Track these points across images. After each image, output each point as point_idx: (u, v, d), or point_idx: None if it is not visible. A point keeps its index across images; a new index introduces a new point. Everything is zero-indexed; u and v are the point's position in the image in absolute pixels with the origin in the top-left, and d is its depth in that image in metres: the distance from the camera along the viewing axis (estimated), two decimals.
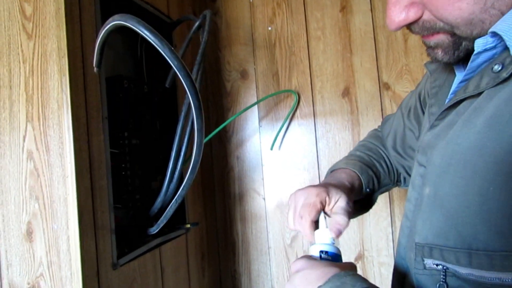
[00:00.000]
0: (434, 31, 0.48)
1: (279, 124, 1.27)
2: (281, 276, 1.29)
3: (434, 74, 0.63)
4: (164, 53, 0.50)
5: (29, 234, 0.73)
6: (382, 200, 1.21)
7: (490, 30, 0.44)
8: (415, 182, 0.57)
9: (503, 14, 0.43)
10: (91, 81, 0.76)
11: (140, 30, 0.51)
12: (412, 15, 0.48)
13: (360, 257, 1.23)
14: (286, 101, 1.29)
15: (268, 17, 1.30)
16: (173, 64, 0.51)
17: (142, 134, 0.95)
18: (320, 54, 1.26)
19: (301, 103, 1.27)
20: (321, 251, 0.58)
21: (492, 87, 0.45)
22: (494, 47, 0.45)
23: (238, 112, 1.29)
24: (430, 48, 0.51)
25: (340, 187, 0.68)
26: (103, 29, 0.56)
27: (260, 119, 1.31)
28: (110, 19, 0.55)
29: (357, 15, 1.23)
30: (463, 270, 0.47)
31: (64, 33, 0.70)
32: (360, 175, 0.76)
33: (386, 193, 1.20)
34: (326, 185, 0.67)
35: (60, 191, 0.71)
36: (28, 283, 0.73)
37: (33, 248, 0.73)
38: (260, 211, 1.31)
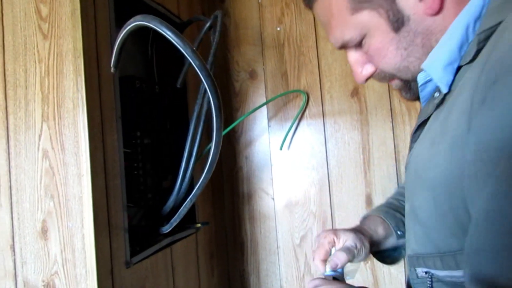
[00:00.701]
0: (389, 78, 0.62)
1: (288, 124, 1.28)
2: (290, 276, 1.29)
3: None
4: (186, 53, 0.51)
5: (44, 232, 0.74)
6: None
7: (422, 66, 0.55)
8: (405, 200, 0.64)
9: (420, 59, 0.56)
10: (105, 81, 0.77)
11: (162, 30, 0.51)
12: (368, 70, 0.62)
13: (369, 257, 1.22)
14: (295, 101, 1.29)
15: (277, 17, 1.31)
16: (195, 64, 0.52)
17: (153, 134, 0.95)
18: (329, 54, 1.26)
19: (310, 103, 1.27)
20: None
21: (434, 110, 0.55)
22: (431, 79, 0.56)
23: (247, 112, 1.30)
24: (398, 90, 0.64)
25: (352, 230, 0.76)
26: (124, 29, 0.57)
27: (269, 119, 1.32)
28: (132, 19, 0.56)
29: None
30: (440, 273, 0.52)
31: (80, 33, 0.71)
32: (385, 219, 0.79)
33: None
34: (337, 229, 0.78)
35: (75, 189, 0.72)
36: (43, 281, 0.74)
37: (48, 246, 0.73)
38: (269, 211, 1.31)
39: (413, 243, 0.58)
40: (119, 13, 0.82)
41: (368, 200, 1.24)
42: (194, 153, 0.87)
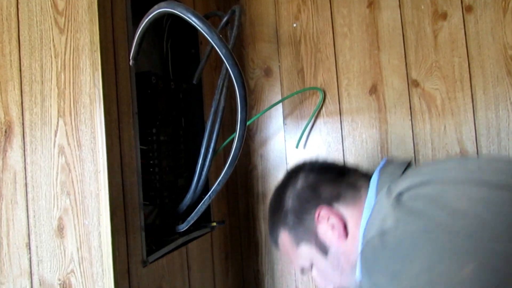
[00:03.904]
0: None
1: (304, 122, 1.25)
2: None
3: None
4: (213, 41, 0.49)
5: (60, 230, 0.72)
6: None
7: (356, 278, 0.67)
8: None
9: (350, 273, 0.71)
10: (122, 76, 0.75)
11: (188, 17, 0.49)
12: (330, 287, 0.77)
13: None
14: (311, 99, 1.27)
15: (293, 14, 1.28)
16: (221, 53, 0.50)
17: (169, 131, 0.94)
18: (346, 51, 1.23)
19: (327, 100, 1.25)
20: None
21: None
22: None
23: (262, 110, 1.28)
24: None
25: None
26: (147, 16, 0.55)
27: (284, 117, 1.29)
28: (156, 6, 0.54)
29: (385, 11, 1.21)
30: None
31: (97, 27, 0.70)
32: None
33: None
34: None
35: (91, 186, 0.70)
36: (59, 279, 0.72)
37: (64, 244, 0.72)
38: None
39: None
40: (136, 7, 0.80)
41: None
42: (210, 150, 0.86)
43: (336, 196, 0.75)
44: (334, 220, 0.73)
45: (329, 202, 0.75)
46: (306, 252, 0.77)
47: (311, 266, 0.78)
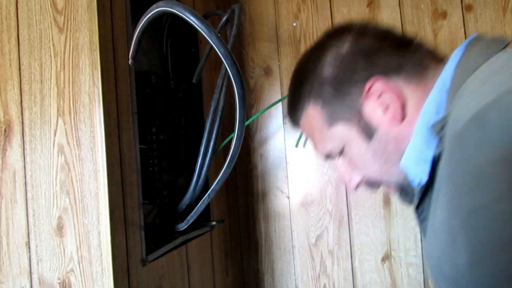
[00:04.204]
0: (378, 185, 0.65)
1: None
2: (305, 275, 1.27)
3: None
4: (211, 41, 0.49)
5: (60, 229, 0.72)
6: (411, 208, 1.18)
7: (400, 165, 0.58)
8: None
9: (395, 163, 0.59)
10: (121, 75, 0.75)
11: (187, 17, 0.49)
12: (356, 179, 0.65)
13: (387, 257, 1.20)
14: None
15: (293, 13, 1.28)
16: (220, 52, 0.50)
17: (168, 130, 0.94)
18: None
19: None
20: None
21: (420, 201, 0.57)
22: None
23: (262, 109, 1.28)
24: (397, 196, 0.66)
25: None
26: (146, 16, 0.55)
27: (284, 116, 1.29)
28: (154, 6, 0.54)
29: (385, 10, 1.21)
30: None
31: (96, 26, 0.70)
32: None
33: None
34: None
35: (91, 185, 0.70)
36: (59, 278, 0.72)
37: (63, 243, 0.72)
38: (283, 210, 1.29)
39: None
40: (135, 6, 0.80)
41: (386, 199, 1.21)
42: (210, 150, 0.86)
43: (397, 67, 0.58)
44: (389, 96, 0.57)
45: (386, 73, 0.58)
46: (341, 133, 0.62)
47: (341, 152, 0.65)
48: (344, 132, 0.62)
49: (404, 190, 0.62)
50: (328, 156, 0.67)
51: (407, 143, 0.57)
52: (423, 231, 0.60)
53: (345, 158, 0.65)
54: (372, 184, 0.66)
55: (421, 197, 0.56)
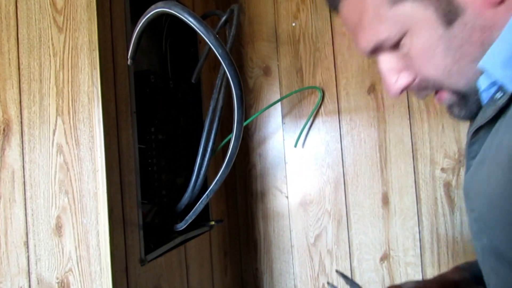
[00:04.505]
0: (434, 88, 0.52)
1: (303, 121, 1.26)
2: (304, 275, 1.27)
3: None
4: (209, 41, 0.49)
5: (59, 228, 0.73)
6: (408, 199, 1.18)
7: (478, 65, 0.46)
8: (473, 229, 0.52)
9: (476, 60, 0.46)
10: (120, 75, 0.75)
11: (185, 17, 0.50)
12: (405, 80, 0.52)
13: (386, 257, 1.20)
14: (310, 98, 1.27)
15: (292, 13, 1.29)
16: (217, 52, 0.50)
17: (168, 130, 0.94)
18: (345, 50, 1.23)
19: (325, 99, 1.25)
20: None
21: (499, 115, 0.45)
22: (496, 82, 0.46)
23: (261, 109, 1.28)
24: (447, 108, 0.54)
25: (425, 281, 0.70)
26: (145, 16, 0.55)
27: (283, 116, 1.29)
28: (153, 6, 0.54)
29: None
30: None
31: (95, 26, 0.70)
32: (462, 269, 0.70)
33: (413, 191, 1.17)
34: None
35: (90, 185, 0.70)
36: (57, 278, 0.73)
37: (62, 242, 0.72)
38: (282, 209, 1.29)
39: (495, 285, 0.47)
40: (135, 6, 0.80)
41: (385, 199, 1.21)
42: (209, 149, 0.86)
43: None
44: None
45: None
46: (409, 14, 0.48)
47: (397, 42, 0.51)
48: (414, 13, 0.48)
49: (465, 101, 0.50)
50: (376, 50, 0.53)
51: (496, 37, 0.45)
52: (470, 156, 0.50)
53: (399, 52, 0.52)
54: (424, 87, 0.53)
55: (495, 115, 0.45)
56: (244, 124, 1.13)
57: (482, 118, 0.47)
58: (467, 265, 0.72)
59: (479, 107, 0.49)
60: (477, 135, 0.50)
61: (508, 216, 0.42)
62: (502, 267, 0.45)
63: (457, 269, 0.71)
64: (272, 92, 1.30)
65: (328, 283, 0.69)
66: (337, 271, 0.74)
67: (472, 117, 0.51)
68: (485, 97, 0.48)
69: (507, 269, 0.44)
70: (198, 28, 0.49)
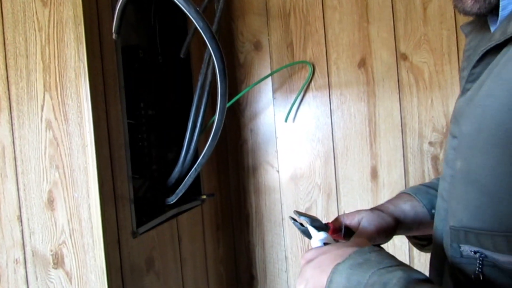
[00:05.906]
0: None
1: (294, 96, 1.26)
2: (294, 246, 1.30)
3: (470, 36, 0.57)
4: (190, 14, 0.49)
5: (51, 202, 0.74)
6: (397, 172, 1.20)
7: None
8: (448, 157, 0.52)
9: None
10: (107, 49, 0.75)
11: None
12: None
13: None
14: (300, 73, 1.27)
15: None
16: (199, 26, 0.50)
17: (157, 105, 0.94)
18: (336, 24, 1.23)
19: (316, 74, 1.25)
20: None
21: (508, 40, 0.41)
22: None
23: (252, 84, 1.28)
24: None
25: (368, 210, 0.72)
26: None
27: (274, 91, 1.30)
28: None
29: None
30: (500, 257, 0.41)
31: (80, 0, 0.69)
32: (414, 196, 0.70)
33: (401, 165, 1.19)
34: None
35: (80, 160, 0.71)
36: (51, 250, 0.74)
37: (54, 216, 0.74)
38: (274, 183, 1.31)
39: (460, 211, 0.46)
40: None
41: (374, 172, 1.23)
42: (198, 124, 0.86)
43: None
44: None
45: None
46: None
47: None
48: None
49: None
50: None
51: None
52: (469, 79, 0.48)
53: None
54: None
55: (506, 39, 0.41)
56: (235, 99, 1.14)
57: (502, 33, 0.44)
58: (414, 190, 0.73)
59: (493, 7, 0.46)
60: (483, 60, 0.47)
61: (501, 137, 0.40)
62: (471, 193, 0.44)
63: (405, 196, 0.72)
64: (263, 67, 1.30)
65: (290, 217, 0.69)
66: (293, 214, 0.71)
67: (484, 12, 0.47)
68: (503, 14, 0.45)
69: (476, 194, 0.44)
70: (178, 1, 0.49)
